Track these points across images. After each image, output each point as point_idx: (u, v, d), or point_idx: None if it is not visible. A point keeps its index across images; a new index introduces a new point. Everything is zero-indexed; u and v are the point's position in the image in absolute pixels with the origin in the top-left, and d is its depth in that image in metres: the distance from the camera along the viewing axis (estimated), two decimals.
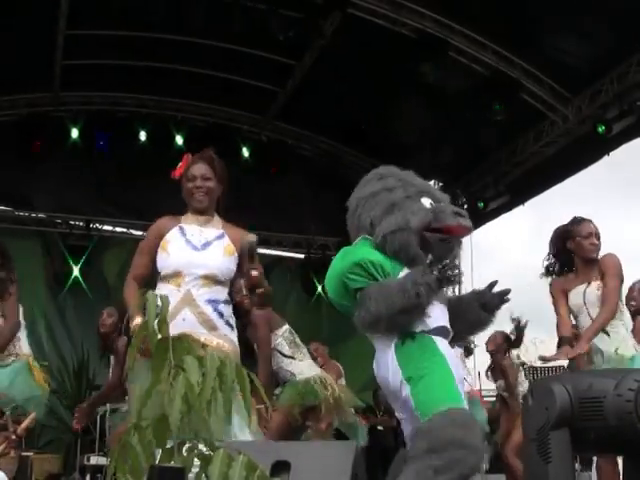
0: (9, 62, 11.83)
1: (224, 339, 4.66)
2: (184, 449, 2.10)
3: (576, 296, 6.47)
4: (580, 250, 6.46)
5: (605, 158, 12.41)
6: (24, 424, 6.86)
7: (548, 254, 6.76)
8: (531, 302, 8.58)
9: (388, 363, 4.24)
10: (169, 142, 14.29)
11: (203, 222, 4.93)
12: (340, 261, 4.32)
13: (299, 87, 13.66)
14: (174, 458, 2.08)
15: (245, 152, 14.99)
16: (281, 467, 3.37)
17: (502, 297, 4.53)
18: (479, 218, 14.97)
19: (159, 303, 2.33)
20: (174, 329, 4.42)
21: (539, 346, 12.22)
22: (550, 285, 6.79)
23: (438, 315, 4.29)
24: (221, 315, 4.72)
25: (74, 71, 13.10)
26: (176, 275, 4.68)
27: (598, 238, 6.46)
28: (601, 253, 6.44)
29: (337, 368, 10.07)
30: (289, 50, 12.68)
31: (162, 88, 14.16)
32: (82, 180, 14.45)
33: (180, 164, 5.10)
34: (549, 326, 7.01)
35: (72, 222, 15.22)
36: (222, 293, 4.80)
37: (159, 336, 2.21)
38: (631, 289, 7.73)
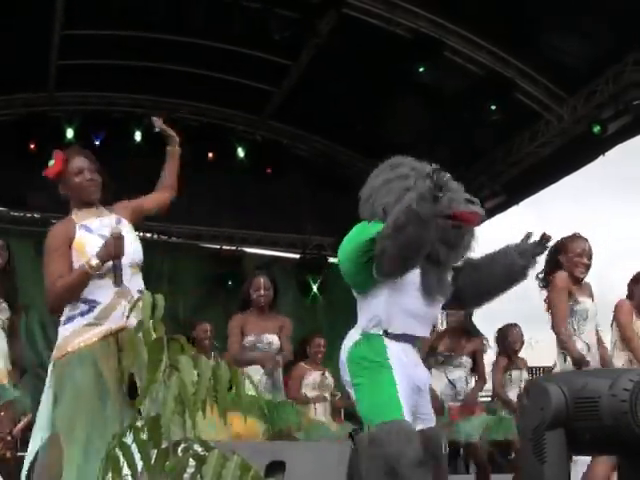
0: (4, 62, 11.81)
1: None
2: (179, 449, 2.10)
3: (588, 304, 6.75)
4: (570, 267, 6.70)
5: (601, 158, 12.43)
6: (20, 425, 6.86)
7: (545, 263, 6.91)
8: (527, 303, 8.60)
9: (343, 363, 4.35)
10: (164, 142, 14.25)
11: (97, 213, 4.82)
12: (356, 237, 4.33)
13: (294, 87, 13.66)
14: (169, 458, 2.09)
15: (240, 152, 14.97)
16: (276, 467, 3.38)
17: (543, 243, 4.54)
18: None
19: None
20: (114, 323, 4.41)
21: (535, 346, 12.25)
22: (556, 278, 6.85)
23: (414, 321, 4.32)
24: None
25: (69, 71, 13.09)
26: (107, 271, 4.48)
27: (589, 258, 6.72)
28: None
29: None
30: (284, 50, 12.68)
31: (157, 88, 14.15)
32: None
33: (53, 162, 4.86)
34: (546, 325, 7.07)
35: None
36: (142, 281, 4.70)
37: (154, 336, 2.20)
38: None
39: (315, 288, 15.54)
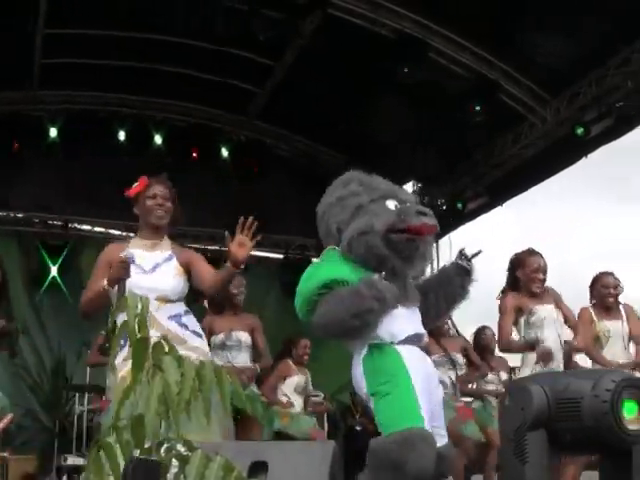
0: None
1: (195, 351, 4.68)
2: (162, 449, 2.10)
3: (546, 311, 7.07)
4: (527, 282, 7.08)
5: (584, 159, 12.47)
6: (0, 425, 6.82)
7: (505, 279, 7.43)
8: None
9: (357, 375, 4.32)
10: (148, 142, 14.26)
11: (150, 246, 5.04)
12: (306, 283, 4.39)
13: (278, 87, 13.65)
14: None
15: (224, 152, 14.97)
16: (259, 467, 3.37)
17: (467, 259, 4.59)
18: (458, 219, 15.03)
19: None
20: None
21: None
22: (503, 299, 7.35)
23: (405, 322, 4.32)
24: (186, 327, 4.79)
25: (53, 70, 13.05)
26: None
27: (545, 273, 7.09)
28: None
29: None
30: (269, 50, 12.67)
31: (141, 88, 14.12)
32: (60, 179, 14.37)
33: (136, 184, 5.22)
34: None
35: (50, 222, 15.15)
36: (180, 306, 4.90)
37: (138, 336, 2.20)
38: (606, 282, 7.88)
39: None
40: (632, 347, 7.76)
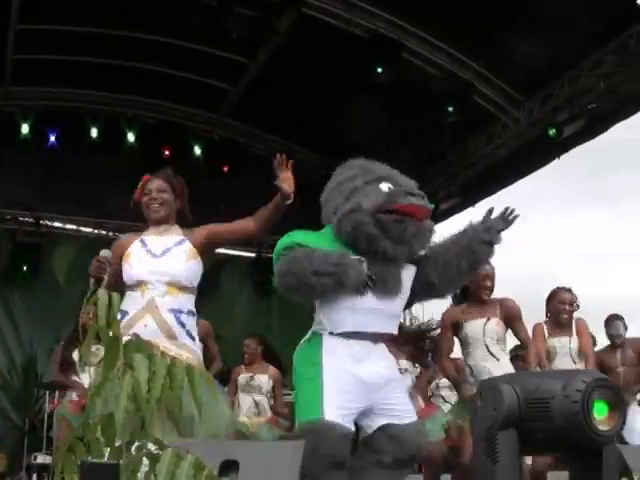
0: None
1: (184, 349, 4.63)
2: (133, 448, 2.09)
3: (473, 327, 7.06)
4: (475, 289, 7.06)
5: (556, 160, 12.53)
6: None
7: None
8: None
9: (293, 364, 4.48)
10: (120, 139, 14.20)
11: (162, 231, 4.98)
12: (280, 240, 4.51)
13: (252, 86, 13.63)
14: (122, 457, 2.07)
15: (197, 150, 14.94)
16: (230, 466, 3.36)
17: (506, 217, 4.60)
18: (431, 219, 15.02)
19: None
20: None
21: None
22: (443, 314, 7.45)
23: (356, 316, 4.33)
24: (183, 325, 4.72)
25: (25, 66, 12.97)
26: (139, 284, 4.71)
27: (492, 280, 7.10)
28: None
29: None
30: (242, 48, 12.64)
31: (114, 85, 14.07)
32: (32, 176, 14.30)
33: (139, 186, 5.11)
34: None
35: (21, 218, 15.07)
36: (187, 302, 4.82)
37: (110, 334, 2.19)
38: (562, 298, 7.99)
39: (269, 287, 15.53)
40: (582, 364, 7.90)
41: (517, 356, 9.99)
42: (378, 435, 4.35)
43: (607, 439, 3.53)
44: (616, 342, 8.90)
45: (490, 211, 4.60)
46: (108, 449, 2.11)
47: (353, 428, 4.29)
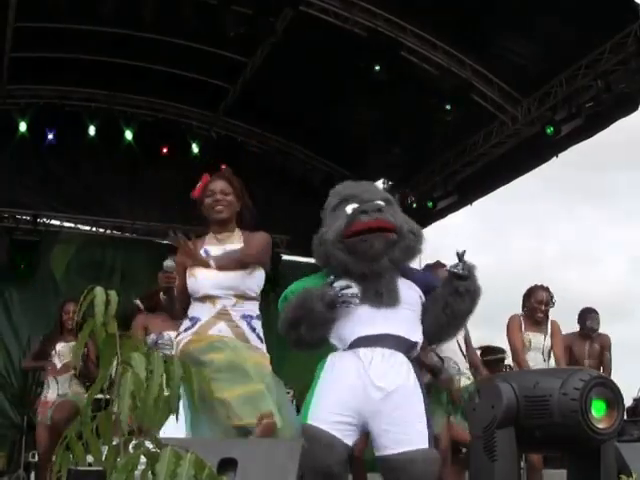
0: None
1: (256, 352, 4.84)
2: (130, 446, 2.08)
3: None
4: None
5: (554, 159, 12.53)
6: None
7: None
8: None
9: None
10: (118, 137, 14.19)
11: (224, 239, 5.09)
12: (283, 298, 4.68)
13: (250, 84, 13.62)
14: (120, 455, 2.07)
15: (195, 148, 14.94)
16: (228, 465, 3.36)
17: (460, 257, 4.49)
18: (428, 217, 15.05)
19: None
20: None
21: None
22: None
23: (363, 323, 4.33)
24: (253, 329, 4.91)
25: (23, 64, 12.95)
26: (208, 297, 4.85)
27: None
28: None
29: None
30: (240, 47, 12.64)
31: (112, 83, 14.05)
32: (30, 174, 14.29)
33: (199, 184, 5.24)
34: (496, 324, 7.31)
35: (19, 216, 15.04)
36: (255, 308, 5.02)
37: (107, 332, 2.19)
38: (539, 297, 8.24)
39: (267, 287, 15.51)
40: (552, 362, 8.15)
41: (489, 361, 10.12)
42: (380, 463, 4.23)
43: (605, 437, 3.53)
44: (590, 334, 9.28)
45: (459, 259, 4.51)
46: (106, 447, 2.11)
47: (349, 442, 4.20)
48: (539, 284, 8.30)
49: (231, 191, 5.12)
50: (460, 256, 4.45)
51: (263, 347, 4.92)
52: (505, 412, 3.55)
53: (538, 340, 8.06)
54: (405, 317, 4.39)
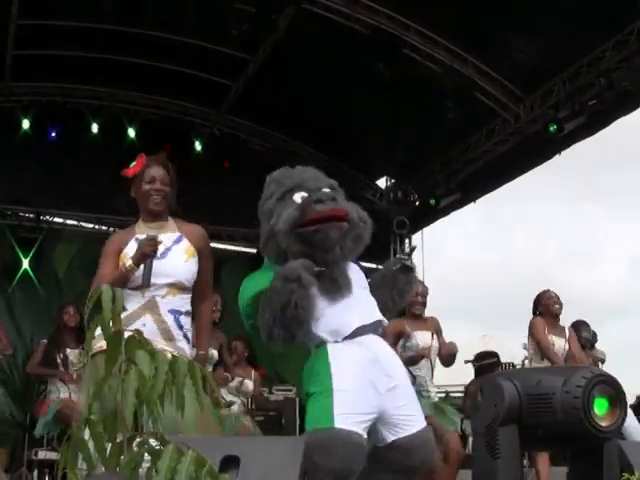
0: None
1: (181, 352, 4.52)
2: (134, 444, 2.09)
3: (413, 339, 7.50)
4: (408, 305, 7.33)
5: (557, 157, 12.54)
6: None
7: None
8: (480, 297, 8.88)
9: (302, 377, 4.37)
10: (121, 135, 14.21)
11: (157, 228, 4.89)
12: (240, 296, 4.48)
13: (252, 82, 13.62)
14: (124, 453, 2.07)
15: (197, 146, 14.96)
16: (230, 462, 3.36)
17: (410, 251, 4.76)
18: (431, 215, 15.07)
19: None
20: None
21: (489, 342, 12.35)
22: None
23: (350, 313, 4.26)
24: (180, 327, 4.69)
25: (26, 61, 12.96)
26: (142, 286, 4.63)
27: (424, 297, 7.63)
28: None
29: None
30: (243, 44, 12.64)
31: (115, 80, 14.06)
32: (32, 172, 14.30)
33: (135, 163, 5.03)
34: (499, 322, 7.33)
35: (22, 214, 15.07)
36: (185, 303, 4.78)
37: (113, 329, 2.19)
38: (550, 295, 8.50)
39: None
40: None
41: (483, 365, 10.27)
42: (388, 449, 4.21)
43: (608, 435, 3.54)
44: (585, 346, 9.29)
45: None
46: (110, 445, 2.11)
47: (366, 436, 4.12)
48: (544, 289, 8.57)
49: (168, 181, 4.98)
50: (411, 250, 4.86)
51: (187, 347, 4.72)
52: (508, 410, 3.55)
53: (559, 344, 8.31)
54: (368, 299, 4.39)
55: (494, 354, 10.92)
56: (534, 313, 8.49)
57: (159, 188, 4.91)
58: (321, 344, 4.26)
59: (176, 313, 4.68)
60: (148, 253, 4.57)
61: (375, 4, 11.75)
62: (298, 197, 4.32)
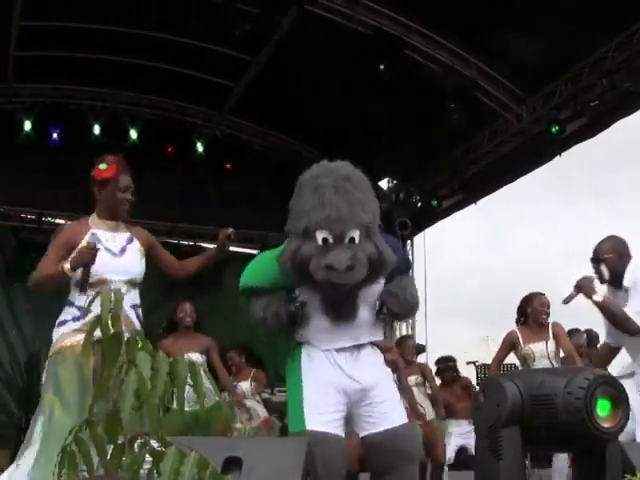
0: None
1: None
2: (135, 445, 2.08)
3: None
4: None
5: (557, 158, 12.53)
6: None
7: None
8: (481, 298, 8.86)
9: None
10: (123, 136, 14.20)
11: (113, 227, 5.12)
12: (242, 275, 4.82)
13: (254, 82, 13.63)
14: (125, 454, 2.07)
15: (199, 147, 14.96)
16: (233, 463, 3.36)
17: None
18: (433, 216, 15.08)
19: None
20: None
21: (491, 344, 12.35)
22: None
23: (325, 338, 4.26)
24: (141, 321, 4.95)
25: (28, 63, 12.97)
26: (101, 282, 4.79)
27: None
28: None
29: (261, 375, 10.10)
30: (245, 45, 12.64)
31: (117, 81, 14.07)
32: (35, 173, 14.30)
33: (106, 166, 5.34)
34: (500, 323, 7.33)
35: (24, 215, 15.08)
36: (138, 298, 5.02)
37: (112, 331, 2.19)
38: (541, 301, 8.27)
39: None
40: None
41: (448, 367, 10.39)
42: (365, 444, 4.26)
43: (610, 436, 3.53)
44: (580, 351, 9.18)
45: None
46: (111, 446, 2.11)
47: (343, 434, 4.17)
48: (535, 292, 8.28)
49: (134, 191, 5.21)
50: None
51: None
52: (510, 411, 3.54)
53: (541, 349, 8.01)
54: (367, 321, 4.33)
55: (451, 359, 11.02)
56: (519, 316, 8.24)
57: (130, 199, 5.17)
58: (299, 344, 4.35)
59: (137, 308, 4.95)
60: (87, 261, 4.73)
61: (376, 5, 11.76)
62: (320, 236, 4.11)
